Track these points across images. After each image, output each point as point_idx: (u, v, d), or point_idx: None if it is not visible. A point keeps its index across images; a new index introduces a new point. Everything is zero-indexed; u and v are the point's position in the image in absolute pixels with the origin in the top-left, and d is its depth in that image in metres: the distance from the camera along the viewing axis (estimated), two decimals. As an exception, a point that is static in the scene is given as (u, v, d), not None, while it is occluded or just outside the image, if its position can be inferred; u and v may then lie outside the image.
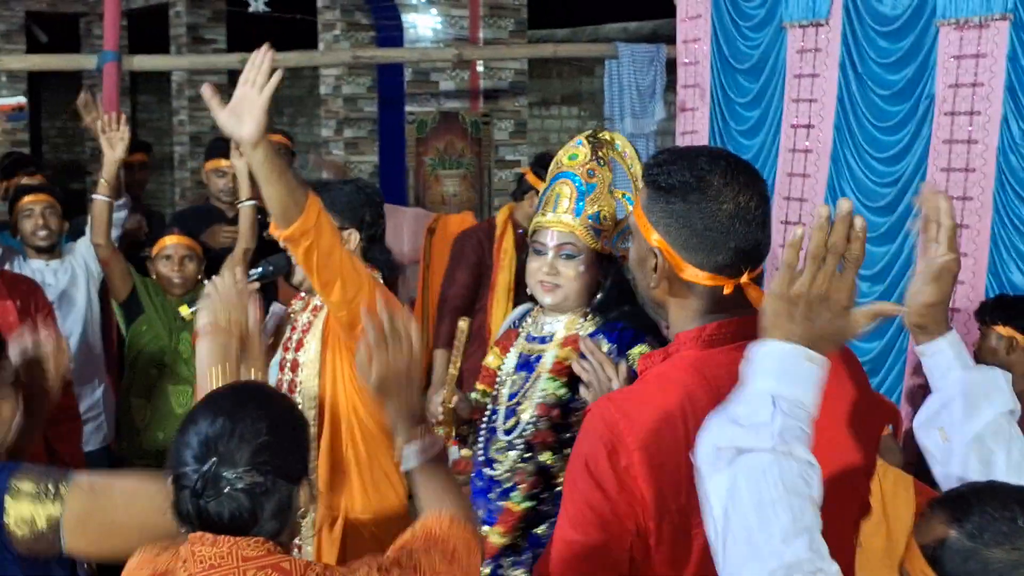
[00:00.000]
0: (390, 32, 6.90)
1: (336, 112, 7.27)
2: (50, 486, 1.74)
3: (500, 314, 4.20)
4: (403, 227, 6.00)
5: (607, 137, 2.44)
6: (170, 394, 3.52)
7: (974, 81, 4.22)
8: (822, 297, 1.33)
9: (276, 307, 2.87)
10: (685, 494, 1.45)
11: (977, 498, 1.31)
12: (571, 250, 2.35)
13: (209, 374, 1.85)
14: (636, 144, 5.93)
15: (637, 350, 2.32)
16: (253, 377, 1.87)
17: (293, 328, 2.78)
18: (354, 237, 2.75)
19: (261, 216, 3.44)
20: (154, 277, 3.68)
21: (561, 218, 2.35)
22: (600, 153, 2.39)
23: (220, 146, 4.24)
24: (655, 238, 1.54)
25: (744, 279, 1.53)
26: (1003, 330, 3.41)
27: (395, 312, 1.67)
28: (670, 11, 5.68)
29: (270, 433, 1.49)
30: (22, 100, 4.05)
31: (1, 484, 1.74)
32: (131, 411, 3.54)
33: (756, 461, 1.28)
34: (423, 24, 6.91)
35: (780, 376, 1.32)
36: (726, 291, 1.52)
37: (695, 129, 5.51)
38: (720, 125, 5.35)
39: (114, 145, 3.74)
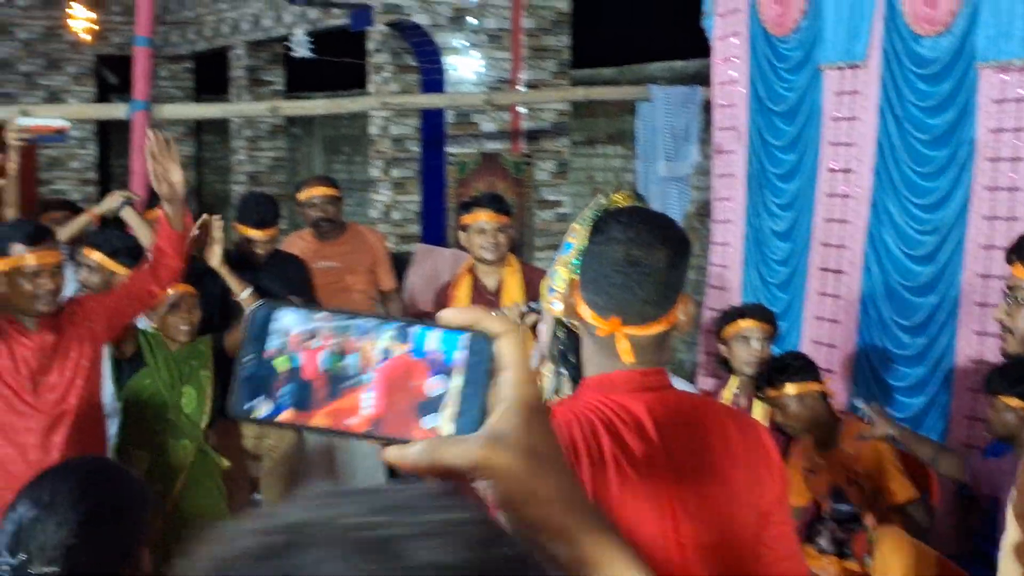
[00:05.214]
0: (433, 75, 6.90)
1: (384, 152, 7.29)
2: None
3: None
4: (441, 268, 5.95)
5: (603, 201, 2.31)
6: (171, 448, 3.49)
7: (1017, 126, 4.04)
8: None
9: None
10: None
11: None
12: (535, 306, 2.37)
13: None
14: (670, 186, 5.85)
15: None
16: None
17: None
18: None
19: None
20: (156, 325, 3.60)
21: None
22: (589, 214, 2.30)
23: (253, 214, 4.14)
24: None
25: (615, 328, 1.56)
26: (1013, 402, 3.17)
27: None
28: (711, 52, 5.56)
29: (81, 531, 1.45)
30: (65, 124, 4.11)
31: None
32: (131, 461, 3.48)
33: None
34: (464, 67, 6.89)
35: None
36: (598, 332, 1.59)
37: (732, 172, 5.37)
38: (757, 168, 5.21)
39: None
